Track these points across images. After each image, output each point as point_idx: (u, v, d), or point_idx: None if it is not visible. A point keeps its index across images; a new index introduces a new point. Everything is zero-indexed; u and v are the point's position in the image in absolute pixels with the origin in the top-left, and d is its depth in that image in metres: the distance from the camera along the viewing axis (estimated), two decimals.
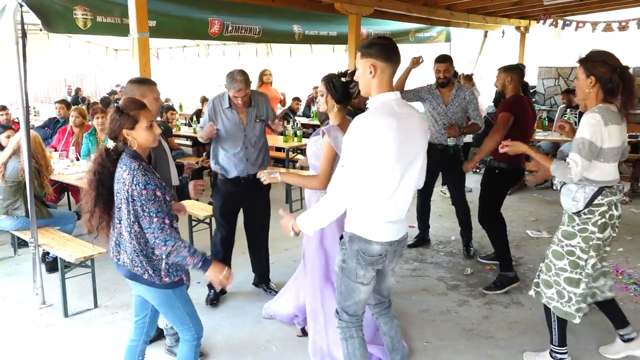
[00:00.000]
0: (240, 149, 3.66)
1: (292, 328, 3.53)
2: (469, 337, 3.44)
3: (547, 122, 7.85)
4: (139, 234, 2.27)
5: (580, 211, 2.72)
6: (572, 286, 2.80)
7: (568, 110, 7.82)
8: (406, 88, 4.62)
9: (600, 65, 2.61)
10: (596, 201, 2.69)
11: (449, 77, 4.57)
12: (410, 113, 2.30)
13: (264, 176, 2.89)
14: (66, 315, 3.77)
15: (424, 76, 5.15)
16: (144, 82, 3.02)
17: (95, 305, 3.92)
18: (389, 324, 2.70)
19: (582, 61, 2.69)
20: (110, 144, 2.35)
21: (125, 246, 2.33)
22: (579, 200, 2.70)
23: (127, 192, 2.22)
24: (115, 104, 2.41)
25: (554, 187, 2.95)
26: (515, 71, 4.06)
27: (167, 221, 2.25)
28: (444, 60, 4.59)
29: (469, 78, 8.33)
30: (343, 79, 2.77)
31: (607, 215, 2.71)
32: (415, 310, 3.79)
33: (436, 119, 4.61)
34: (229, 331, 3.55)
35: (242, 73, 3.55)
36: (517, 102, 3.99)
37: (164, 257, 2.30)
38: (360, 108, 3.39)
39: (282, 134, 7.39)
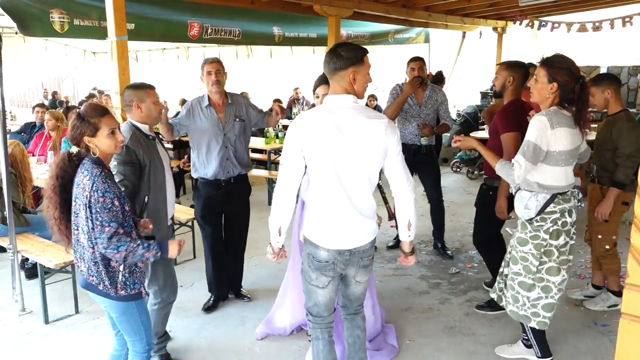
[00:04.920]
0: (220, 148, 3.63)
1: None
2: (450, 334, 3.49)
3: None
4: None
5: (532, 219, 2.73)
6: (525, 290, 2.83)
7: None
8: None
9: (565, 73, 2.58)
10: (548, 209, 2.69)
11: (422, 77, 4.57)
12: (353, 114, 2.23)
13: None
14: (47, 321, 3.73)
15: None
16: (141, 86, 2.97)
17: (77, 311, 3.87)
18: (349, 330, 2.64)
19: (545, 64, 2.64)
20: (73, 149, 2.32)
21: (83, 254, 2.30)
22: (531, 208, 2.71)
23: (86, 197, 2.19)
24: (77, 110, 2.39)
25: (510, 191, 2.92)
26: (519, 70, 3.50)
27: (120, 230, 2.21)
28: (418, 59, 4.61)
29: (439, 77, 8.21)
30: None
31: (559, 223, 2.72)
32: (397, 309, 3.83)
33: (409, 120, 4.62)
34: (212, 334, 3.55)
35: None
36: (518, 112, 3.33)
37: (120, 264, 2.26)
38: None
39: (264, 135, 7.40)
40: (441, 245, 4.94)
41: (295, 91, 11.26)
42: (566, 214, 2.73)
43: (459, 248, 5.02)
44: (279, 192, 2.32)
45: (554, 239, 2.74)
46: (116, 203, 2.21)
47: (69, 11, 5.07)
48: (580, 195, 2.81)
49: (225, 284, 3.98)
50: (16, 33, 6.90)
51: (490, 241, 3.87)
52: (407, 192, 2.35)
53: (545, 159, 2.63)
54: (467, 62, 10.82)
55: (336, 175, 2.23)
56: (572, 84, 2.58)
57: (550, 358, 2.96)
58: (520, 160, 2.60)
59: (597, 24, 8.27)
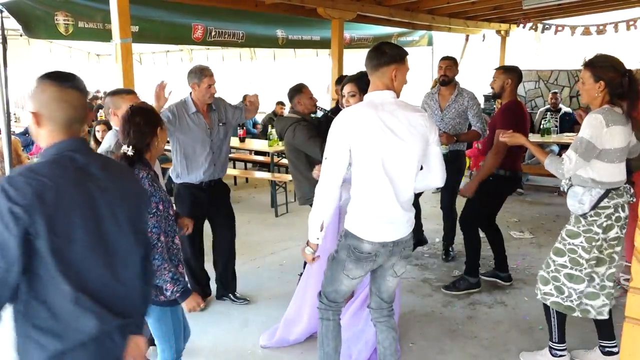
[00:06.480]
0: (208, 153, 3.65)
1: None
2: (453, 338, 3.49)
3: None
4: None
5: (586, 214, 2.77)
6: (572, 282, 2.85)
7: (548, 113, 7.96)
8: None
9: (609, 70, 2.66)
10: (602, 204, 2.73)
11: (450, 76, 4.51)
12: (396, 110, 2.30)
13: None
14: None
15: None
16: (117, 92, 2.99)
17: None
18: (385, 333, 2.66)
19: (589, 66, 2.71)
20: (126, 149, 2.25)
21: None
22: (585, 203, 2.75)
23: None
24: (131, 108, 2.32)
25: (561, 189, 2.98)
26: (514, 73, 3.92)
27: (162, 238, 2.19)
28: (447, 57, 4.60)
29: None
30: None
31: (613, 217, 2.76)
32: (400, 312, 3.82)
33: None
34: (215, 336, 3.55)
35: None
36: (517, 112, 3.85)
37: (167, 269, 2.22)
38: None
39: (267, 138, 7.39)
40: (445, 250, 4.93)
41: None
42: (619, 209, 2.77)
43: (461, 251, 5.01)
44: (325, 186, 2.32)
45: (605, 233, 2.78)
46: (160, 207, 2.20)
47: (74, 14, 5.08)
48: (632, 190, 2.85)
49: (207, 281, 4.00)
50: (21, 35, 6.91)
51: (476, 225, 4.13)
52: (437, 180, 2.47)
53: (600, 156, 2.68)
54: (470, 65, 10.79)
55: (383, 169, 2.29)
56: (618, 79, 2.65)
57: (564, 345, 3.02)
58: (571, 155, 2.67)
59: (601, 27, 8.26)
